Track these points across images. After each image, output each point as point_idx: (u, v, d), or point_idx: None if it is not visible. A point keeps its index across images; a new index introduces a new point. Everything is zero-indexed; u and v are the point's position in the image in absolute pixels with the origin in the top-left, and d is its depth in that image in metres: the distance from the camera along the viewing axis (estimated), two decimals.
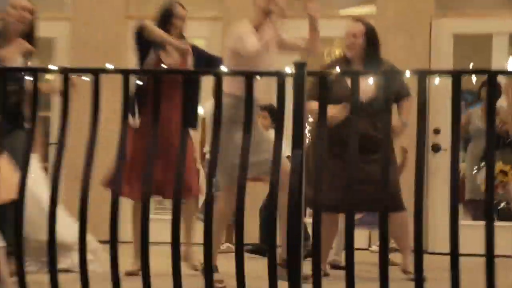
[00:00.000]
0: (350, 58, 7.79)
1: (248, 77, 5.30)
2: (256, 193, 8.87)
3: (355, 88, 4.85)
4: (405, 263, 7.48)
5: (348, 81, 6.12)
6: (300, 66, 4.85)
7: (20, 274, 5.06)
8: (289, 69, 5.08)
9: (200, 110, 8.86)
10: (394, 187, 7.13)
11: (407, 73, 5.45)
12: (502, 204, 10.12)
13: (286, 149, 5.12)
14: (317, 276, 4.65)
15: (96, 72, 5.10)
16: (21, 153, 5.73)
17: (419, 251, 4.59)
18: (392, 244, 8.27)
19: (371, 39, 7.79)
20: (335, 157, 7.21)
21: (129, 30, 10.52)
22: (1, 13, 7.93)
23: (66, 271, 6.94)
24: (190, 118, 7.61)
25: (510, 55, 11.20)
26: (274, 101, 5.04)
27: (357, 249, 5.50)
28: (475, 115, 10.91)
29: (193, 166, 8.11)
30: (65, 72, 5.28)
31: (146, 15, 10.60)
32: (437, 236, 10.58)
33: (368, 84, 6.79)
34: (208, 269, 4.80)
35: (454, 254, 4.44)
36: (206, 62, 8.11)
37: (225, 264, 6.66)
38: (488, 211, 4.71)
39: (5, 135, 5.97)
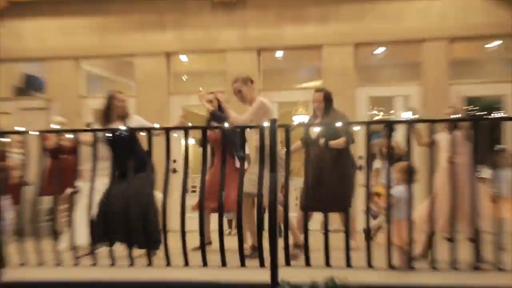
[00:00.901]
0: (318, 114, 9.13)
1: (243, 129, 8.22)
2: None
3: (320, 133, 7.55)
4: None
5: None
6: (273, 121, 6.82)
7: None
8: (266, 123, 6.95)
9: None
10: (345, 199, 8.03)
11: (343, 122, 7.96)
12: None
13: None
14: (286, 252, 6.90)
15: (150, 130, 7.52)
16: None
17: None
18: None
19: (328, 100, 9.16)
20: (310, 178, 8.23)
21: (170, 103, 13.18)
22: (107, 98, 8.90)
23: None
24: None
25: (405, 110, 13.18)
26: None
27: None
28: (378, 144, 11.10)
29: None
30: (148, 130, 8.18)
31: (183, 91, 13.47)
32: None
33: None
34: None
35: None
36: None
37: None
38: None
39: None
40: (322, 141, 8.57)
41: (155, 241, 7.87)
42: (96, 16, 13.62)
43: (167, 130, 7.69)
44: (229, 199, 8.51)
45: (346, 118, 9.24)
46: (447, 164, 7.47)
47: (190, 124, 9.43)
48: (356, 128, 9.15)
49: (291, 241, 7.76)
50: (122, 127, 8.46)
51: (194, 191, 10.26)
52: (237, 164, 8.93)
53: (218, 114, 9.05)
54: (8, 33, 13.82)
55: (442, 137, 7.92)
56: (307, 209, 8.07)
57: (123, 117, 8.93)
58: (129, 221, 7.73)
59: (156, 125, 8.37)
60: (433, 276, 6.72)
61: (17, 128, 8.49)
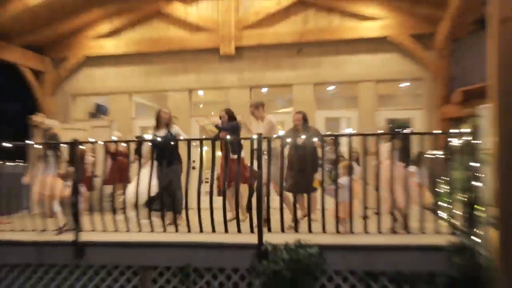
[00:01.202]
0: (298, 128, 8.69)
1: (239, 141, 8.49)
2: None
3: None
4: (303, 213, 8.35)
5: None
6: (259, 135, 6.89)
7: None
8: (254, 136, 6.94)
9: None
10: (310, 182, 8.36)
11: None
12: None
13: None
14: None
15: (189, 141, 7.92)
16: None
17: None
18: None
19: (305, 119, 8.83)
20: (290, 168, 8.42)
21: (192, 123, 12.91)
22: (157, 112, 9.19)
23: None
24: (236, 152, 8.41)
25: (348, 128, 12.92)
26: None
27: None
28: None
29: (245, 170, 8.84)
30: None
31: (199, 114, 12.64)
32: None
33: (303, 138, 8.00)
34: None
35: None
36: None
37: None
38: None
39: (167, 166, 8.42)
40: (302, 143, 8.14)
41: (179, 208, 8.06)
42: (143, 65, 13.54)
43: (188, 141, 7.74)
44: (230, 178, 8.69)
45: (318, 131, 9.25)
46: (384, 164, 7.41)
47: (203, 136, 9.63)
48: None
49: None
50: (163, 136, 8.81)
51: (207, 182, 10.17)
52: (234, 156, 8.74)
53: (220, 126, 9.22)
54: (85, 77, 13.88)
55: (382, 147, 7.76)
56: (290, 191, 8.27)
57: (168, 124, 9.10)
58: (167, 194, 8.11)
59: (182, 133, 9.06)
60: (366, 237, 6.68)
61: (90, 139, 8.49)
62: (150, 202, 7.82)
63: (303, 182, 8.12)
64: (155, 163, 8.13)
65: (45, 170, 8.22)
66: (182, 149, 8.30)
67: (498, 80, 5.49)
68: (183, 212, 7.46)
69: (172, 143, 8.74)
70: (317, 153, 8.44)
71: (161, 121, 9.13)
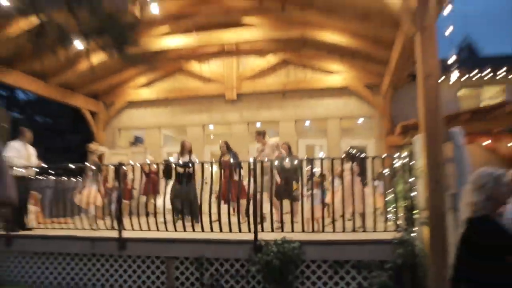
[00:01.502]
0: (287, 155, 8.47)
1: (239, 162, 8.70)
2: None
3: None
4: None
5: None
6: (254, 159, 7.06)
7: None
8: (251, 159, 7.00)
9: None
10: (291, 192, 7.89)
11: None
12: None
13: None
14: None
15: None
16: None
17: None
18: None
19: (289, 148, 8.73)
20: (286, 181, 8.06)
21: (206, 150, 13.16)
22: (181, 143, 9.28)
23: None
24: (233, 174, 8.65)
25: (320, 152, 13.00)
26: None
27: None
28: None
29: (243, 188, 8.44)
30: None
31: (211, 143, 13.05)
32: None
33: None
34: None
35: None
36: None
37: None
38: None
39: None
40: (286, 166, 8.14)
41: (196, 215, 7.71)
42: (169, 107, 13.50)
43: (202, 163, 7.67)
44: (233, 194, 8.47)
45: (297, 157, 9.23)
46: (347, 179, 7.33)
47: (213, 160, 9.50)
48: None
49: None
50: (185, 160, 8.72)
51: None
52: (236, 178, 8.70)
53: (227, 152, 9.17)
54: (127, 116, 13.89)
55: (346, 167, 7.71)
56: (278, 198, 8.00)
57: (190, 151, 9.11)
58: (186, 204, 8.12)
59: (196, 160, 8.80)
60: (334, 235, 6.57)
61: (130, 162, 8.43)
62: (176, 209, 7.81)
63: (288, 191, 7.97)
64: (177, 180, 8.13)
65: (90, 184, 8.30)
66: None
67: (425, 119, 5.54)
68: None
69: (190, 165, 8.62)
70: (297, 171, 8.22)
71: (185, 149, 9.10)
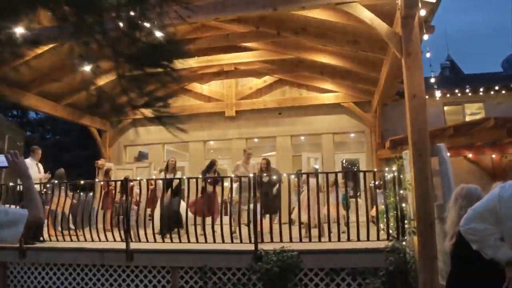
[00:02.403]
0: (264, 170, 8.80)
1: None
2: None
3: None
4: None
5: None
6: (254, 174, 8.11)
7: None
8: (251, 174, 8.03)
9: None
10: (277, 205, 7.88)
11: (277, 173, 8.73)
12: None
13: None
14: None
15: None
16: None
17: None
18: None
19: (268, 163, 9.04)
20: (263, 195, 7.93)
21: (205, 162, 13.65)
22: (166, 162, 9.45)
23: None
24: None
25: (315, 165, 12.45)
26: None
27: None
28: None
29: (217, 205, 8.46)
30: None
31: (211, 157, 13.56)
32: None
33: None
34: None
35: None
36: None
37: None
38: None
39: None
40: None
41: (181, 225, 7.91)
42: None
43: (196, 178, 7.65)
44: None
45: (278, 171, 9.28)
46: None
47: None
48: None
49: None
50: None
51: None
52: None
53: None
54: (132, 133, 13.91)
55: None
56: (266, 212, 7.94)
57: (174, 168, 9.18)
58: (172, 216, 8.15)
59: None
60: (330, 244, 6.65)
61: (137, 177, 8.46)
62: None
63: (269, 205, 7.99)
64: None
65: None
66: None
67: (412, 135, 5.70)
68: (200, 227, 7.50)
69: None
70: (278, 185, 8.22)
71: (169, 167, 9.18)
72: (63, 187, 8.06)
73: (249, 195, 7.14)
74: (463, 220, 2.42)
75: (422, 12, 5.77)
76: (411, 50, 5.79)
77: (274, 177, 8.38)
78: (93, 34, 1.55)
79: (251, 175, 7.21)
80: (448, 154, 6.22)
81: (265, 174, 8.47)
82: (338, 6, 6.37)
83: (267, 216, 7.82)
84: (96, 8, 1.49)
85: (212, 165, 9.31)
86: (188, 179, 7.89)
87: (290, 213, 8.29)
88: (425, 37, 5.99)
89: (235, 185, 8.16)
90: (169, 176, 9.02)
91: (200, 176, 8.50)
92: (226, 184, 8.73)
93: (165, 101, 1.61)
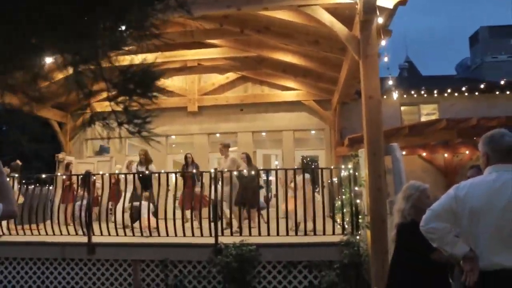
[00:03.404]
0: (245, 164, 8.66)
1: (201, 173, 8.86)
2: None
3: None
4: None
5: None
6: (215, 169, 8.12)
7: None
8: (212, 170, 8.30)
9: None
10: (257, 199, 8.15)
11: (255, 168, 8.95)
12: None
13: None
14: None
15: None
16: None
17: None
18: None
19: (248, 158, 8.92)
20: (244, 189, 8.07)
21: (168, 159, 13.16)
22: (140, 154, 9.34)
23: None
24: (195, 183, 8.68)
25: (276, 161, 13.41)
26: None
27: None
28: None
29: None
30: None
31: (174, 152, 13.32)
32: None
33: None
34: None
35: None
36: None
37: None
38: None
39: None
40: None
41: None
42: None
43: (167, 173, 7.68)
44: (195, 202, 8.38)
45: (256, 167, 9.27)
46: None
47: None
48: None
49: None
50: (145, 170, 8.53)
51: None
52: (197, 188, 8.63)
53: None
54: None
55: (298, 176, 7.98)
56: (239, 205, 8.01)
57: (148, 163, 9.09)
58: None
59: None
60: (287, 238, 6.81)
61: (99, 172, 8.37)
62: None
63: (248, 198, 8.09)
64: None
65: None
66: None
67: (367, 134, 5.94)
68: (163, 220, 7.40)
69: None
70: (257, 179, 8.42)
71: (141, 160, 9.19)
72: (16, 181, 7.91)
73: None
74: (423, 221, 2.59)
75: (380, 18, 6.02)
76: (368, 53, 6.02)
77: (252, 172, 8.33)
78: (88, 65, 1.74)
79: (212, 170, 7.28)
80: (403, 153, 6.53)
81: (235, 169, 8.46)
82: (300, 8, 6.56)
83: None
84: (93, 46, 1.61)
85: (185, 160, 9.49)
86: (159, 173, 7.85)
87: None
88: (383, 42, 6.25)
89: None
90: (141, 169, 8.99)
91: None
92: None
93: (145, 119, 1.76)
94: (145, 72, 1.81)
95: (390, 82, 7.01)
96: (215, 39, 10.38)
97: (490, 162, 2.47)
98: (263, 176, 9.46)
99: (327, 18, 6.48)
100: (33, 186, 8.95)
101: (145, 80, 1.79)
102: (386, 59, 6.04)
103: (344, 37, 6.37)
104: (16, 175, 8.47)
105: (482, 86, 12.74)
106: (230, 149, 13.47)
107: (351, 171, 6.92)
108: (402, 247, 3.34)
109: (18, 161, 9.22)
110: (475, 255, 2.36)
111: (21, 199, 8.09)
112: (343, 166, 7.46)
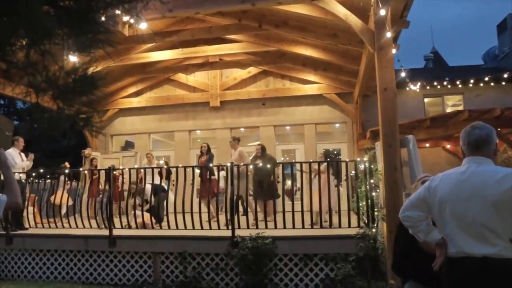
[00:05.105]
0: (259, 155, 8.68)
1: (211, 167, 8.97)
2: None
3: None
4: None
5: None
6: (231, 163, 7.94)
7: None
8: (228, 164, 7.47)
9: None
10: (273, 192, 8.29)
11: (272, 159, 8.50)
12: None
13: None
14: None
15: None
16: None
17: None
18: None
19: (263, 149, 8.81)
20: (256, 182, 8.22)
21: (191, 153, 13.26)
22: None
23: None
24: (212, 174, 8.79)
25: (298, 155, 14.21)
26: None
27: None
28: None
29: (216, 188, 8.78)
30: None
31: (197, 147, 13.15)
32: None
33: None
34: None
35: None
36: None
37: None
38: None
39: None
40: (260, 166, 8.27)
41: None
42: (158, 114, 13.68)
43: (185, 167, 7.79)
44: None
45: (273, 158, 9.26)
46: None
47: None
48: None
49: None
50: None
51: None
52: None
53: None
54: (119, 123, 14.03)
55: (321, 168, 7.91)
56: (256, 198, 8.23)
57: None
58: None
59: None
60: (303, 231, 6.84)
61: (121, 166, 8.57)
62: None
63: (265, 191, 8.10)
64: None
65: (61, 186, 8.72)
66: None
67: (383, 127, 5.92)
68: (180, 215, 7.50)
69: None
70: (273, 172, 8.38)
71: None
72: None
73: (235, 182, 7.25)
74: (401, 209, 2.73)
75: (395, 9, 5.98)
76: (383, 45, 6.01)
77: (268, 166, 8.29)
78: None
79: (228, 164, 7.36)
80: (426, 145, 6.45)
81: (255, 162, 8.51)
82: (314, 1, 6.56)
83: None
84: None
85: (200, 149, 9.61)
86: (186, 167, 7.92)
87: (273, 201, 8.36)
88: (399, 33, 6.19)
89: (223, 174, 8.47)
90: (202, 159, 9.36)
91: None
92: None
93: (90, 114, 1.96)
94: (85, 76, 2.05)
95: (403, 74, 6.94)
96: (234, 35, 10.48)
97: (465, 155, 2.59)
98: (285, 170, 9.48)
99: (341, 11, 6.48)
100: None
101: (86, 82, 1.99)
102: (394, 51, 5.98)
103: (359, 30, 6.36)
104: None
105: (505, 75, 12.41)
106: (253, 143, 13.79)
107: (366, 164, 6.89)
108: (405, 237, 3.36)
109: (67, 163, 9.58)
110: (445, 242, 2.49)
111: (70, 201, 8.79)
112: (358, 159, 7.40)
